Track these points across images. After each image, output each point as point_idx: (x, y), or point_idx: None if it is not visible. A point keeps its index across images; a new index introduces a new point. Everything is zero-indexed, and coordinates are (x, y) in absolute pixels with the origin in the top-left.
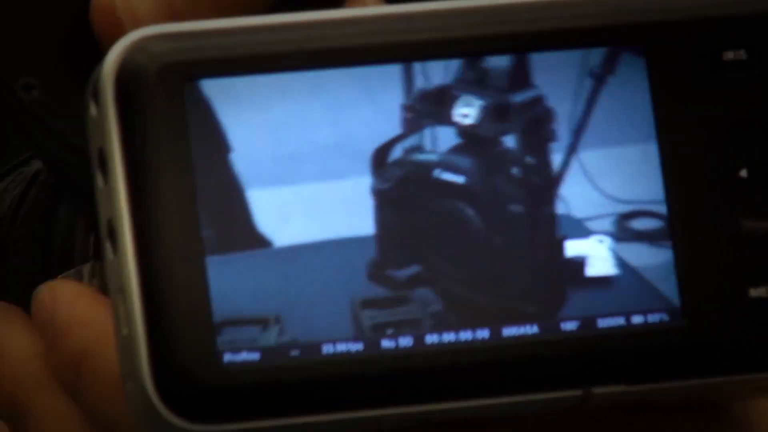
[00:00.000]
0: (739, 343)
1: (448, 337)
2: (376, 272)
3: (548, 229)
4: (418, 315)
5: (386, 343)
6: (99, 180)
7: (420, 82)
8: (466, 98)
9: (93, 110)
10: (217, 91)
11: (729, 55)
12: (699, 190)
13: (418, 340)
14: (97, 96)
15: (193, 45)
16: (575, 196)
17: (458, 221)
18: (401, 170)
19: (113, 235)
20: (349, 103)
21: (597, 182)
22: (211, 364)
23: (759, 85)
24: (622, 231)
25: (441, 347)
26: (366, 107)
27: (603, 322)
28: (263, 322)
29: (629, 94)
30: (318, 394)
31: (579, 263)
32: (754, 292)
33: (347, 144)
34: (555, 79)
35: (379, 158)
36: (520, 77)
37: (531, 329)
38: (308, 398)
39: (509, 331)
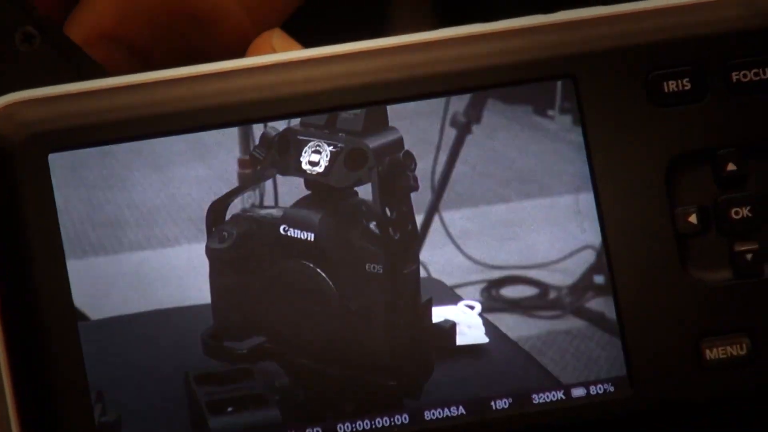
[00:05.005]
0: (697, 413)
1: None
2: (213, 344)
3: (412, 291)
4: (260, 390)
5: None
6: None
7: (260, 127)
8: (314, 144)
9: None
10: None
11: (672, 86)
12: (643, 241)
13: None
14: None
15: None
16: (442, 256)
17: (307, 284)
18: (241, 228)
19: None
20: (178, 161)
21: (462, 243)
22: None
23: (706, 118)
24: (492, 299)
25: None
26: (197, 164)
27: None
28: None
29: (499, 145)
30: None
31: (448, 331)
32: (711, 354)
33: (175, 206)
34: (416, 121)
35: (215, 216)
36: (377, 118)
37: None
38: None
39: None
